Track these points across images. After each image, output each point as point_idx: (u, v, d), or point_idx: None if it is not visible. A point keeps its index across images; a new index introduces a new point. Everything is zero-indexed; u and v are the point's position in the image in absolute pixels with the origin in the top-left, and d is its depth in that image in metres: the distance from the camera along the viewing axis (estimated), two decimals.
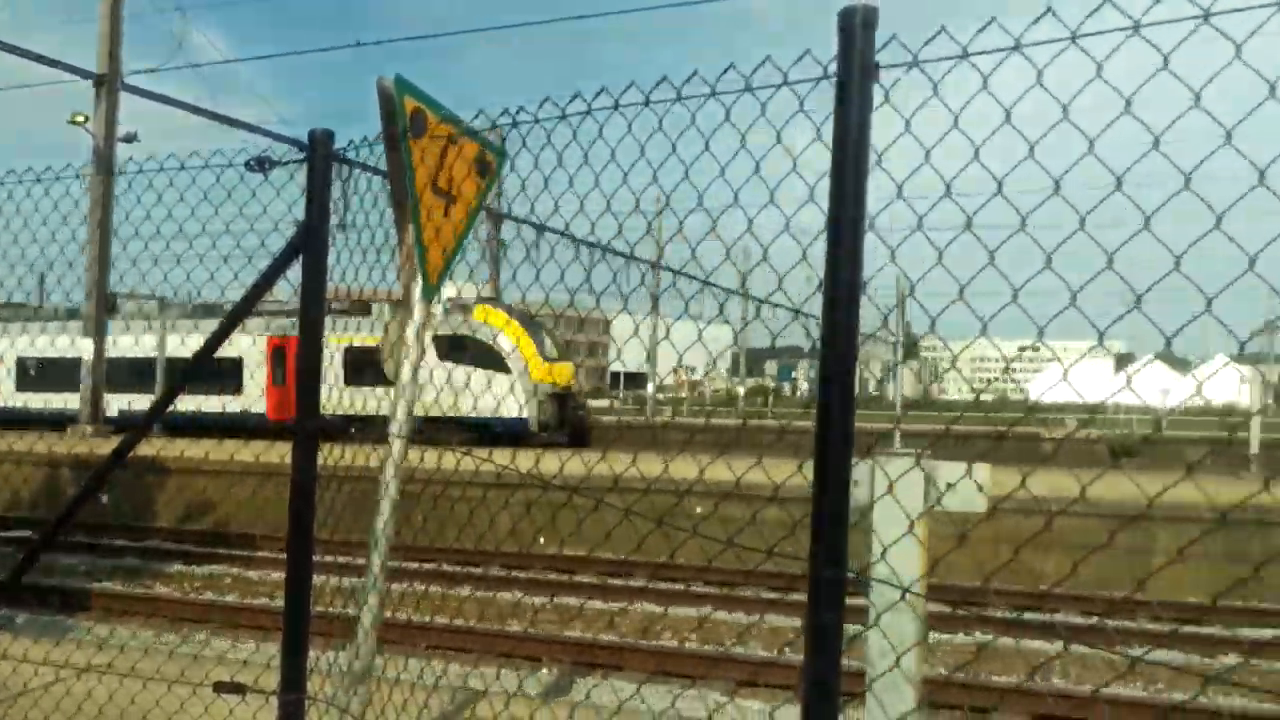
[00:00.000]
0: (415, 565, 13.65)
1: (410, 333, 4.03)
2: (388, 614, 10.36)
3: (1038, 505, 4.42)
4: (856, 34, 2.21)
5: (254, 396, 27.52)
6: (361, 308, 26.21)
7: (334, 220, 4.14)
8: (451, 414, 20.61)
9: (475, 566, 14.03)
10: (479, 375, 23.51)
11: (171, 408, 4.34)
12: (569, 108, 3.08)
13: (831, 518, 2.15)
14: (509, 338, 25.12)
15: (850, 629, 2.20)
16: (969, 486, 2.97)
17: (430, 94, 3.82)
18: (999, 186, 2.09)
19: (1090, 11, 1.95)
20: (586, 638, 9.76)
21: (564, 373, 26.19)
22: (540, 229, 3.78)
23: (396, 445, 4.09)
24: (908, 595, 2.82)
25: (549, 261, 3.61)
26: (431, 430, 23.02)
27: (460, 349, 24.00)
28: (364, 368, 23.41)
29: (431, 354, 22.79)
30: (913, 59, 2.22)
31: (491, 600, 11.75)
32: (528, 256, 3.82)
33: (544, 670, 9.07)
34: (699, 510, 15.12)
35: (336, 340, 25.04)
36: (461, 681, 6.80)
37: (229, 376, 27.47)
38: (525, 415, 24.66)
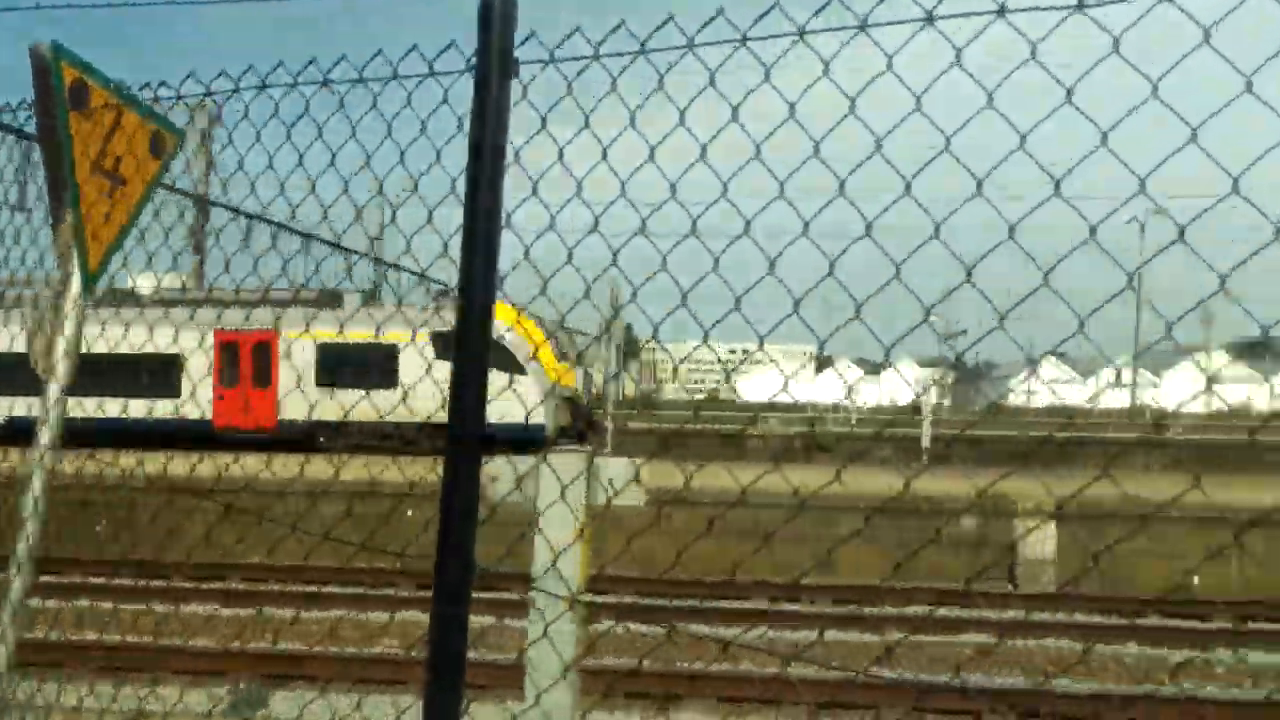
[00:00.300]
0: (101, 580, 12.57)
1: (68, 328, 3.66)
2: (57, 635, 9.38)
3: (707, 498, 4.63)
4: (495, 26, 2.20)
5: (196, 401, 22.87)
6: (330, 298, 22.89)
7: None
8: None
9: (165, 579, 13.07)
10: (491, 377, 19.98)
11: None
12: (214, 84, 2.91)
13: (461, 513, 2.13)
14: (523, 336, 22.72)
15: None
16: (625, 481, 3.05)
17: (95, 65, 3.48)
18: (622, 188, 2.15)
19: (706, 22, 2.04)
20: (271, 649, 9.33)
21: (571, 376, 24.26)
22: (250, 218, 3.56)
23: (44, 457, 3.70)
24: (567, 590, 2.85)
25: (270, 251, 3.39)
26: (432, 440, 19.98)
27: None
28: (339, 367, 21.40)
29: (430, 352, 19.38)
30: (549, 56, 2.24)
31: (176, 614, 10.98)
32: (245, 246, 3.58)
33: (231, 685, 8.57)
34: (410, 513, 14.83)
35: (298, 335, 21.71)
36: (134, 703, 6.30)
37: (162, 377, 22.69)
38: (542, 422, 22.65)
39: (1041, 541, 13.78)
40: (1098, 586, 12.65)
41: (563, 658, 2.92)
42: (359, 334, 17.75)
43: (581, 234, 2.21)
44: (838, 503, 11.96)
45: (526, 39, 2.24)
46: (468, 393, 2.14)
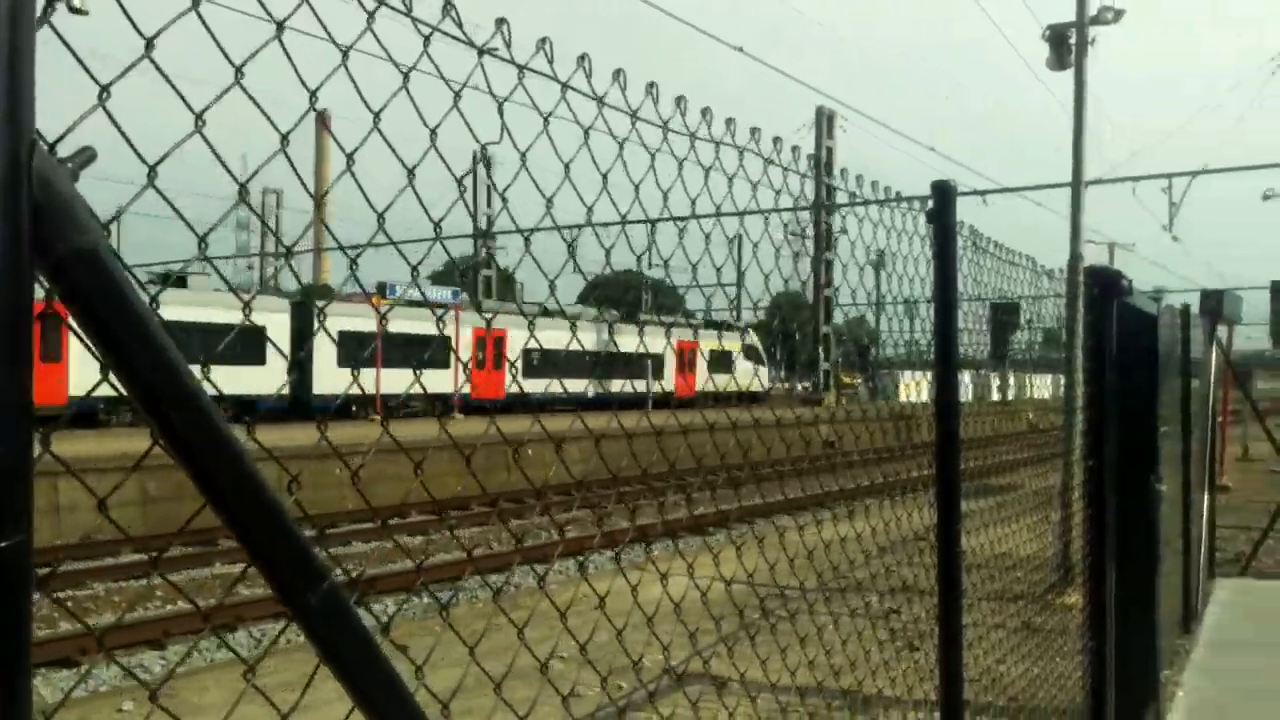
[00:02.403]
0: None
1: None
2: None
3: None
4: None
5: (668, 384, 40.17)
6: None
7: None
8: (748, 390, 39.75)
9: None
10: (762, 369, 46.25)
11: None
12: None
13: None
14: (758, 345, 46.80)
15: None
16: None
17: None
18: None
19: None
20: None
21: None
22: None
23: None
24: None
25: None
26: (730, 403, 32.37)
27: (750, 354, 45.64)
28: (716, 363, 40.72)
29: (740, 357, 50.06)
30: None
31: None
32: None
33: None
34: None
35: (706, 344, 39.97)
36: None
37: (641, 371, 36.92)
38: (765, 389, 44.39)
39: None
40: None
41: None
42: (714, 343, 41.03)
43: None
44: None
45: None
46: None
